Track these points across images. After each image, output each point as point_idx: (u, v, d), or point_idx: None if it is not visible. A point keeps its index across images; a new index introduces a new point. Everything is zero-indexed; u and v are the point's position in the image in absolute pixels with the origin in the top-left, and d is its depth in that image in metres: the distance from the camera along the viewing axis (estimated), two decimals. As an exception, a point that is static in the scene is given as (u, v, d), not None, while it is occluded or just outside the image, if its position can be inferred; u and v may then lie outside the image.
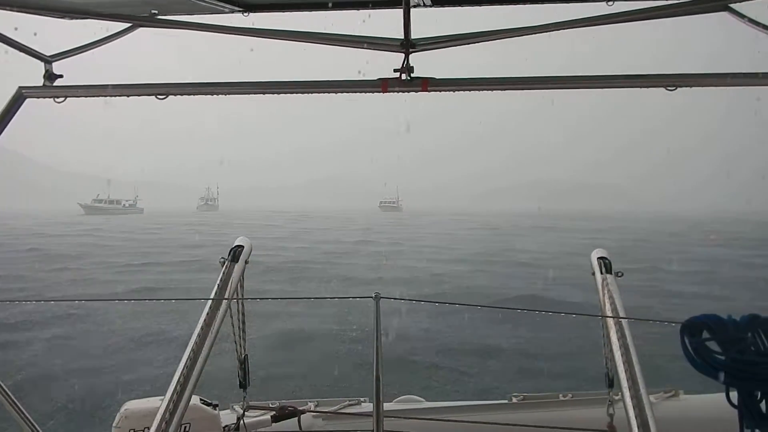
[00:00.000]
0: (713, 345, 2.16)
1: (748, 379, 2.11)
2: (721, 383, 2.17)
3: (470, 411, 3.50)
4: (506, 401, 3.60)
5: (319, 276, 26.48)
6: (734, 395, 2.19)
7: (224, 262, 2.85)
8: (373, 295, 2.31)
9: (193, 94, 2.82)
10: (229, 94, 2.86)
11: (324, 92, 2.86)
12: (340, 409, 3.58)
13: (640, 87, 3.03)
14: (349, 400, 3.66)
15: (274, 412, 3.34)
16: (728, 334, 2.13)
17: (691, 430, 3.25)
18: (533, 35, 2.91)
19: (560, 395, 3.59)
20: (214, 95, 2.85)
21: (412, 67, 2.74)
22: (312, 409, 3.53)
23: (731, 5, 3.08)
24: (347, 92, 2.86)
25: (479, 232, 65.53)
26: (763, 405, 2.15)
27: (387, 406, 3.57)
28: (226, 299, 2.64)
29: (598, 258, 2.82)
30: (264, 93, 2.82)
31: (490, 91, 2.84)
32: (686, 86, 2.96)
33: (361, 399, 3.66)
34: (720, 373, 2.12)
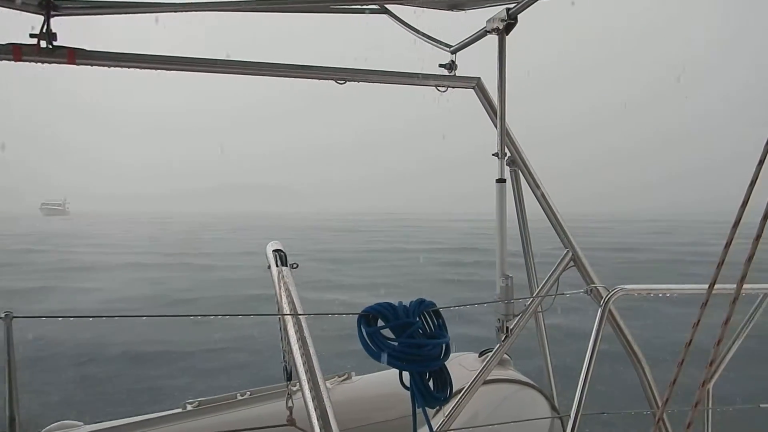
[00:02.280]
0: (388, 332, 2.23)
1: (417, 361, 2.22)
2: (395, 367, 2.27)
3: (140, 427, 3.12)
4: (180, 410, 3.31)
5: None
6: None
7: None
8: (3, 315, 1.83)
9: None
10: None
11: None
12: None
13: (313, 78, 3.07)
14: None
15: None
16: (399, 320, 2.21)
17: (366, 408, 3.43)
18: (202, 12, 2.69)
19: (238, 394, 3.45)
20: None
21: (55, 33, 2.31)
22: None
23: (388, 7, 3.30)
24: None
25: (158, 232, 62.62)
26: (431, 383, 2.30)
27: None
28: None
29: (274, 251, 2.74)
30: None
31: (152, 70, 2.55)
32: (354, 80, 3.09)
33: None
34: (393, 358, 2.20)
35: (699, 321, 1.70)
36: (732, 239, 1.61)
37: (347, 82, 3.02)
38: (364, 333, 2.23)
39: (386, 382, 2.94)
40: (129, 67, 2.51)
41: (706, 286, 1.68)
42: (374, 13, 3.33)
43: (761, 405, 2.92)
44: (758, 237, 1.54)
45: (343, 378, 3.76)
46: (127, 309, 17.90)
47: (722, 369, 2.91)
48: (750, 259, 1.55)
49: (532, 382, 3.59)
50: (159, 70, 2.59)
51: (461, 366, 3.53)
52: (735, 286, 1.60)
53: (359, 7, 3.22)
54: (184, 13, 2.57)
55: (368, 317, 2.24)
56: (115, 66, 2.46)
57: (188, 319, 15.29)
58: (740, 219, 1.58)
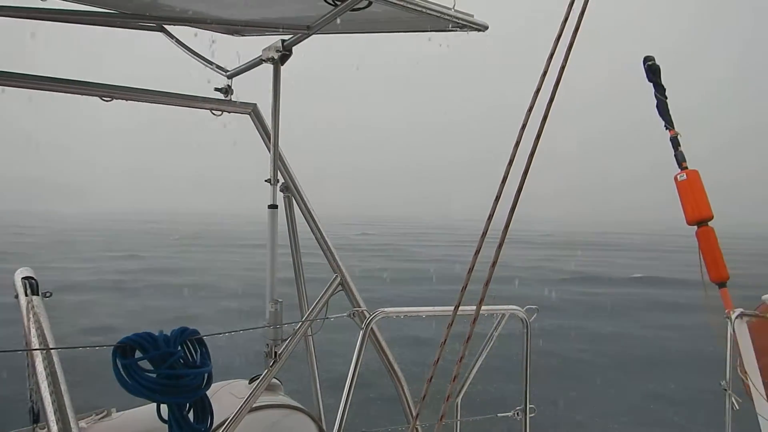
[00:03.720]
0: (147, 363, 2.10)
1: (174, 393, 2.13)
2: (152, 401, 2.15)
3: None
4: None
5: None
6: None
7: None
8: None
9: None
10: None
11: None
12: None
13: (75, 93, 2.84)
14: None
15: None
16: (159, 351, 2.10)
17: None
18: None
19: None
20: None
21: None
22: None
23: (166, 26, 3.18)
24: None
25: None
26: (192, 414, 2.21)
27: None
28: None
29: (23, 278, 2.45)
30: None
31: None
32: (123, 99, 2.92)
33: None
34: (149, 391, 2.08)
35: (445, 340, 1.87)
36: (474, 265, 1.81)
37: (114, 100, 2.83)
38: (119, 365, 2.08)
39: (149, 417, 2.77)
40: None
41: (452, 307, 1.86)
42: (150, 31, 3.18)
43: (499, 414, 3.29)
44: (494, 263, 1.75)
45: (101, 415, 3.45)
46: None
47: (469, 384, 3.23)
48: (487, 283, 1.76)
49: (300, 406, 3.64)
50: None
51: (231, 394, 3.45)
52: (475, 307, 1.79)
53: (135, 22, 3.05)
54: None
55: (125, 348, 2.09)
56: None
57: None
58: (480, 248, 1.79)
